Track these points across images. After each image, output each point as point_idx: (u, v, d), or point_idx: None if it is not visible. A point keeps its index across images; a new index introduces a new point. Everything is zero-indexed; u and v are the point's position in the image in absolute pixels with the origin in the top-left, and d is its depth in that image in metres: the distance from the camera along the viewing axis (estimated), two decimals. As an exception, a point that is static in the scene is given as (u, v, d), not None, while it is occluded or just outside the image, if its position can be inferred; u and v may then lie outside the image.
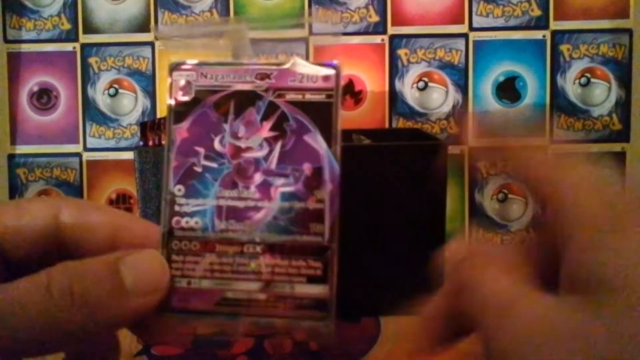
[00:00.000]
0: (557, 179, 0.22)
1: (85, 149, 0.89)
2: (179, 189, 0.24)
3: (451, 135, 0.86)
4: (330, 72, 0.24)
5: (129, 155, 0.87)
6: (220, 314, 0.23)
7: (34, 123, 0.89)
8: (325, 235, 0.23)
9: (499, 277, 0.21)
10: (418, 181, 0.59)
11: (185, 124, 0.24)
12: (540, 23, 0.85)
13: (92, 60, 0.88)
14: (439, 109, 0.86)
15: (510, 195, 0.85)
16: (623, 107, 0.85)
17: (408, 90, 0.86)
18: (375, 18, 0.86)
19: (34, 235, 0.24)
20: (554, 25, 0.85)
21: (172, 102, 0.24)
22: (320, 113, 0.24)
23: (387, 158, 0.60)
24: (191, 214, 0.24)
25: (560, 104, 0.85)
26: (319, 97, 0.24)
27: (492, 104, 0.86)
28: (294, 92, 0.24)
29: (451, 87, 0.86)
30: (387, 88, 0.86)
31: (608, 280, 0.18)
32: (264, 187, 0.24)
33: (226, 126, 0.24)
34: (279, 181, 0.24)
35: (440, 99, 0.86)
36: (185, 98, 0.24)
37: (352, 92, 0.87)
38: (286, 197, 0.23)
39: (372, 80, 0.86)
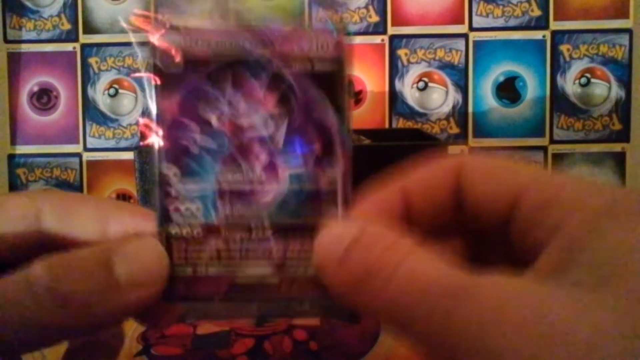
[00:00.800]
0: (531, 176, 0.20)
1: (85, 149, 0.89)
2: (174, 173, 0.21)
3: (451, 135, 0.86)
4: (342, 38, 0.21)
5: (129, 155, 0.87)
6: (232, 300, 0.22)
7: (34, 123, 0.89)
8: (339, 215, 0.21)
9: (416, 258, 0.18)
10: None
11: (175, 99, 0.21)
12: (540, 23, 0.85)
13: (92, 60, 0.88)
14: (439, 109, 0.86)
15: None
16: (623, 107, 0.85)
17: (408, 90, 0.86)
18: (375, 18, 0.86)
19: (15, 235, 0.23)
20: (554, 25, 0.85)
21: (158, 73, 0.21)
22: (330, 85, 0.21)
23: (387, 158, 0.60)
24: (190, 199, 0.21)
25: (560, 104, 0.85)
26: (329, 67, 0.21)
27: (492, 104, 0.86)
28: (301, 61, 0.21)
29: (451, 87, 0.86)
30: (387, 88, 0.86)
31: (603, 274, 0.16)
32: (271, 168, 0.21)
33: (224, 101, 0.21)
34: (288, 161, 0.21)
35: (440, 99, 0.86)
36: (174, 68, 0.21)
37: (352, 92, 0.87)
38: (296, 178, 0.21)
39: (372, 80, 0.86)
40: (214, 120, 0.21)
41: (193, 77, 0.21)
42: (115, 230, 0.23)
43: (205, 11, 0.22)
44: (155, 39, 0.21)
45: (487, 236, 0.22)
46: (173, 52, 0.21)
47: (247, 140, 0.21)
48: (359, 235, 0.19)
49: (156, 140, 0.21)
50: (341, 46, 0.21)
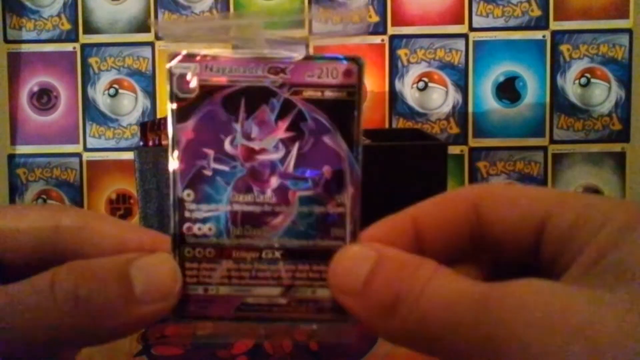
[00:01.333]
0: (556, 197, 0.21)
1: (85, 149, 0.89)
2: (187, 194, 0.22)
3: (451, 135, 0.86)
4: (353, 66, 0.22)
5: (129, 155, 0.87)
6: (241, 319, 0.22)
7: (34, 123, 0.89)
8: (347, 239, 0.22)
9: (440, 276, 0.19)
10: (418, 181, 0.59)
11: (190, 123, 0.22)
12: (540, 23, 0.85)
13: (92, 60, 0.88)
14: (439, 109, 0.86)
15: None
16: (623, 107, 0.85)
17: (408, 90, 0.86)
18: (375, 18, 0.86)
19: (33, 241, 0.23)
20: (554, 25, 0.85)
21: (174, 98, 0.22)
22: (340, 112, 0.22)
23: (387, 158, 0.60)
24: (203, 220, 0.22)
25: (560, 104, 0.85)
26: (340, 95, 0.22)
27: (492, 104, 0.86)
28: (312, 89, 0.22)
29: (451, 87, 0.86)
30: (387, 88, 0.86)
31: (632, 268, 0.17)
32: (281, 191, 0.22)
33: (237, 126, 0.22)
34: (297, 185, 0.22)
35: (440, 99, 0.86)
36: (189, 94, 0.22)
37: (352, 92, 0.87)
38: (305, 201, 0.22)
39: (372, 80, 0.86)
40: (227, 144, 0.22)
41: (208, 102, 0.22)
42: (131, 247, 0.24)
43: (221, 37, 0.23)
44: (172, 65, 0.22)
45: (503, 263, 0.23)
46: (189, 78, 0.22)
47: (258, 164, 0.22)
48: (379, 259, 0.20)
49: (172, 163, 0.22)
50: (351, 75, 0.22)
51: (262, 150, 0.22)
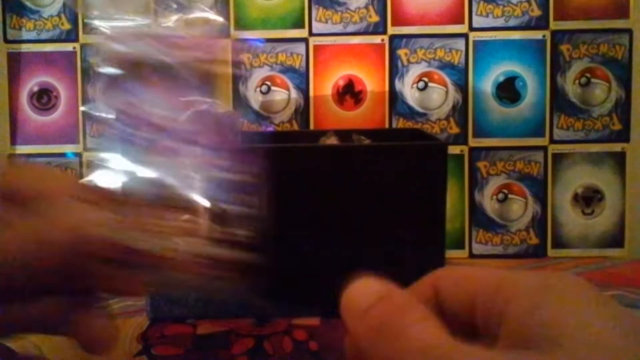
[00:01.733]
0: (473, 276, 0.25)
1: (85, 149, 0.89)
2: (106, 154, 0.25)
3: (451, 135, 0.86)
4: (241, 44, 0.25)
5: (129, 155, 0.87)
6: (131, 265, 0.24)
7: (34, 123, 0.89)
8: (254, 205, 0.24)
9: (424, 325, 0.22)
10: (418, 181, 0.59)
11: (110, 93, 0.24)
12: (540, 23, 0.85)
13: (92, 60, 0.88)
14: (439, 109, 0.86)
15: (510, 195, 0.86)
16: (623, 107, 0.85)
17: (408, 90, 0.86)
18: (375, 18, 0.86)
19: None
20: (554, 25, 0.85)
21: (95, 70, 0.24)
22: (233, 83, 0.25)
23: (387, 158, 0.60)
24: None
25: (560, 104, 0.85)
26: (231, 68, 0.25)
27: (492, 104, 0.86)
28: (208, 63, 0.24)
29: (451, 87, 0.86)
30: (387, 88, 0.86)
31: (553, 337, 0.20)
32: (190, 157, 0.24)
33: (145, 96, 0.24)
34: (204, 152, 0.24)
35: (440, 99, 0.86)
36: (104, 67, 0.24)
37: (352, 92, 0.87)
38: (213, 167, 0.24)
39: (372, 80, 0.86)
40: (137, 111, 0.24)
41: (116, 73, 0.24)
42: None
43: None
44: (96, 42, 0.25)
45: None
46: (101, 51, 0.24)
47: (168, 132, 0.24)
48: (385, 294, 0.23)
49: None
50: (242, 50, 0.25)
51: (169, 119, 0.24)
